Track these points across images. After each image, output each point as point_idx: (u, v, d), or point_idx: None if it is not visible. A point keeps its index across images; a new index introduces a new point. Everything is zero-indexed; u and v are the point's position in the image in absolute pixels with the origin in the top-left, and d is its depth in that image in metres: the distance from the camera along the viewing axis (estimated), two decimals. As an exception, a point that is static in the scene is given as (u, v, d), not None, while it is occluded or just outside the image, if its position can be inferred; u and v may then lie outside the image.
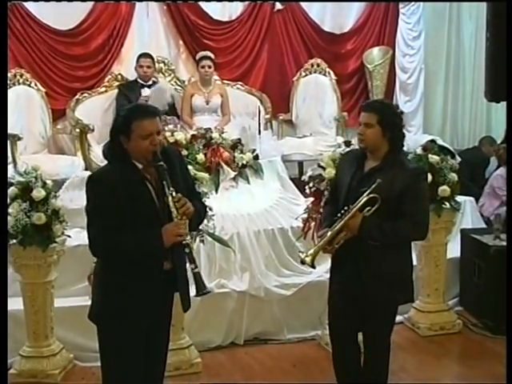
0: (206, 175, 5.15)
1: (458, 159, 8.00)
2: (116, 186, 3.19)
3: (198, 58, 7.36)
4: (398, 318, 5.78)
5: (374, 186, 3.64)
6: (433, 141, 8.05)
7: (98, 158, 6.86)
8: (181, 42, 7.96)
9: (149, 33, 7.81)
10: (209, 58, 7.24)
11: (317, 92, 8.05)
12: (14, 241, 4.76)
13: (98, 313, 3.40)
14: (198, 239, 4.92)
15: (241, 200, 6.09)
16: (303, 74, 8.13)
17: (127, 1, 7.60)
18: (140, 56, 7.27)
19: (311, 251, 3.76)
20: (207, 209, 4.84)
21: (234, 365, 5.20)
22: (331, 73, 8.12)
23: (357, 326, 3.91)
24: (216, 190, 6.09)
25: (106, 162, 6.05)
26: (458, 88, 9.18)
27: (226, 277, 5.62)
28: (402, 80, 8.58)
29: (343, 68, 8.57)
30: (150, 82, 7.26)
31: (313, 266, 3.79)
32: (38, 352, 4.97)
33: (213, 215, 4.97)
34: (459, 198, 6.53)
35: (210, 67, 7.22)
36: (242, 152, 6.33)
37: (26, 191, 4.78)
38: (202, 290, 3.25)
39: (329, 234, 3.73)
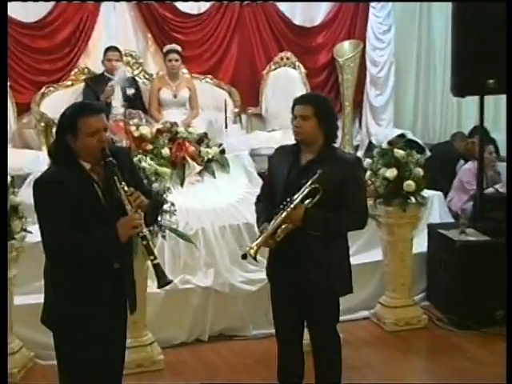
0: (168, 170, 5.09)
1: (428, 153, 8.09)
2: (63, 189, 3.15)
3: (164, 51, 7.28)
4: (364, 314, 5.87)
5: (315, 177, 3.66)
6: (402, 135, 8.11)
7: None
8: (149, 35, 7.88)
9: (116, 26, 7.71)
10: (176, 51, 7.16)
11: (286, 85, 8.00)
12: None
13: (49, 317, 3.37)
14: (159, 235, 4.85)
15: (206, 195, 6.03)
16: (273, 67, 8.10)
17: (95, 1, 7.52)
18: (107, 49, 7.17)
19: (254, 245, 3.71)
20: (170, 204, 4.86)
21: (197, 362, 5.15)
22: (301, 66, 8.08)
23: (302, 324, 3.94)
24: (181, 185, 6.03)
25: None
26: (429, 82, 9.19)
27: (190, 272, 5.55)
28: (373, 74, 8.55)
29: (314, 61, 8.54)
30: (123, 75, 7.15)
31: (255, 259, 3.74)
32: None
33: (175, 210, 4.90)
34: (427, 193, 6.55)
35: (177, 60, 7.13)
36: (208, 146, 6.27)
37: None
38: (163, 281, 3.20)
39: (271, 226, 3.70)
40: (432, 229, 6.11)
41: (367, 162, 5.66)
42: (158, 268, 3.19)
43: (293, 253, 3.78)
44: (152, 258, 3.18)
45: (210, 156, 6.19)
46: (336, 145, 3.98)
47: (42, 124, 6.79)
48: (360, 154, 8.15)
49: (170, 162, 6.02)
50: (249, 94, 8.10)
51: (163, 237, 4.89)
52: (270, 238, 3.74)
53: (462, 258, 5.59)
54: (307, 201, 3.71)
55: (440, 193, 6.91)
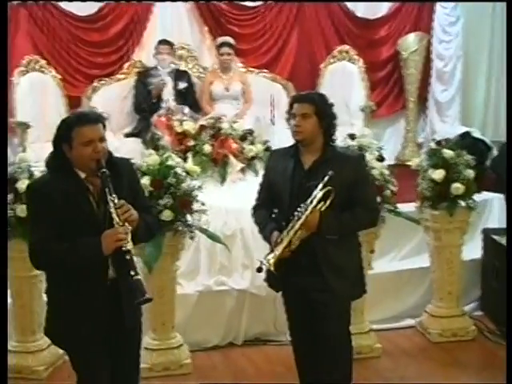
0: (197, 168, 4.92)
1: (495, 152, 7.66)
2: (55, 196, 3.10)
3: (217, 44, 7.12)
4: (410, 322, 5.56)
5: (327, 179, 3.54)
6: (467, 133, 7.71)
7: (111, 146, 6.66)
8: (205, 28, 7.73)
9: (171, 18, 7.62)
10: (228, 44, 7.00)
11: (344, 80, 7.71)
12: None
13: (48, 331, 3.32)
14: (187, 236, 4.71)
15: (247, 194, 5.80)
16: (331, 61, 7.81)
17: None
18: (158, 43, 7.07)
19: (271, 257, 3.57)
20: (200, 203, 4.70)
21: (226, 367, 4.99)
22: (360, 60, 7.76)
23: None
24: (222, 183, 5.88)
25: (117, 151, 5.89)
26: (503, 77, 8.68)
27: (226, 274, 5.39)
28: (438, 68, 8.16)
29: (376, 55, 8.25)
30: (169, 69, 7.07)
31: (275, 272, 3.59)
32: (24, 347, 4.86)
33: (205, 210, 4.74)
34: (486, 195, 6.19)
35: (229, 54, 7.00)
36: (252, 143, 6.08)
37: (11, 182, 4.65)
38: (139, 297, 3.05)
39: (287, 235, 3.56)
40: (486, 234, 5.75)
41: (414, 161, 5.37)
42: (138, 284, 3.05)
43: (307, 258, 3.64)
44: (133, 273, 3.04)
45: (254, 153, 5.98)
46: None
47: (92, 118, 6.72)
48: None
49: (211, 160, 5.87)
50: (307, 89, 7.78)
51: (191, 238, 4.73)
52: (286, 247, 3.59)
53: (514, 267, 5.21)
54: (320, 204, 3.57)
55: (501, 195, 6.48)
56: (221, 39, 7.17)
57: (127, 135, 6.86)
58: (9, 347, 4.87)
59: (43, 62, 7.00)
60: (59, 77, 7.06)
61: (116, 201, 3.07)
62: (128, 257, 3.05)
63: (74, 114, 3.28)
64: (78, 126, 3.10)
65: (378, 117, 8.09)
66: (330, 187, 3.54)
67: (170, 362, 4.83)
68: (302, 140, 3.69)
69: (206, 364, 5.01)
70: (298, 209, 3.56)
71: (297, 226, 3.55)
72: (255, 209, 3.95)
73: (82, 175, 3.16)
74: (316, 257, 3.63)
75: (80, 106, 7.18)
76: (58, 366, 4.93)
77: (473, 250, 5.81)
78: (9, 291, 4.84)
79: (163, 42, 7.08)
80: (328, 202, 3.56)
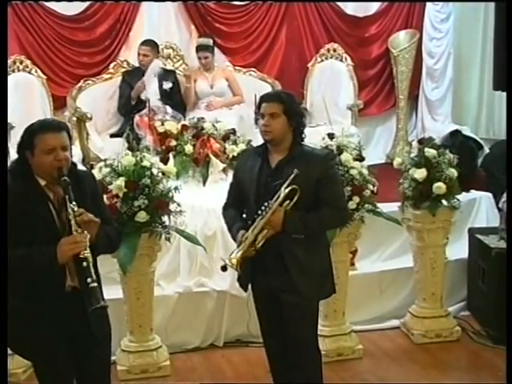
0: (174, 169, 4.86)
1: (487, 150, 7.59)
2: (13, 202, 3.06)
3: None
4: (394, 323, 5.50)
5: (291, 177, 3.51)
6: (458, 131, 7.65)
7: (96, 147, 6.71)
8: (192, 27, 7.65)
9: (158, 17, 7.53)
10: (204, 47, 6.97)
11: (332, 79, 7.65)
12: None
13: (10, 340, 3.20)
14: (163, 236, 4.66)
15: (229, 194, 5.78)
16: (319, 59, 7.74)
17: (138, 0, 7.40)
18: (140, 44, 7.04)
19: (235, 255, 3.54)
20: (176, 204, 4.65)
21: (206, 369, 4.94)
22: (348, 58, 7.68)
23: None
24: (204, 183, 5.82)
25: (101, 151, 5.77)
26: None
27: (206, 275, 5.34)
28: (429, 65, 8.08)
29: (367, 53, 8.16)
30: (156, 70, 6.99)
31: (238, 270, 3.58)
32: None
33: (182, 211, 4.69)
34: (474, 194, 6.13)
35: (206, 58, 6.96)
36: (235, 143, 6.01)
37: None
38: (95, 304, 2.99)
39: (250, 233, 3.53)
40: (472, 234, 5.67)
41: (397, 160, 5.31)
42: (94, 291, 3.00)
43: (274, 258, 3.61)
44: (90, 280, 2.99)
45: (235, 153, 5.91)
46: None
47: (74, 118, 6.68)
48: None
49: (192, 160, 5.82)
50: (296, 88, 7.73)
51: (167, 239, 4.68)
52: (251, 246, 3.56)
53: (499, 267, 5.12)
54: (285, 203, 3.54)
55: (490, 194, 6.43)
56: (198, 42, 7.13)
57: (112, 136, 6.80)
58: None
59: (28, 61, 6.95)
60: (45, 77, 7.00)
61: (76, 208, 3.04)
62: (85, 264, 3.00)
63: (38, 122, 3.23)
64: (40, 134, 3.09)
65: (368, 115, 8.03)
66: (294, 186, 3.51)
67: (148, 364, 4.78)
68: (271, 140, 3.65)
69: (185, 366, 4.97)
70: (262, 207, 3.53)
71: (260, 225, 3.53)
72: (224, 208, 3.92)
73: (43, 183, 3.13)
74: (282, 257, 3.60)
75: (65, 106, 7.16)
76: (36, 369, 4.89)
77: (460, 249, 5.75)
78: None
79: (144, 42, 7.03)
80: (293, 201, 3.53)
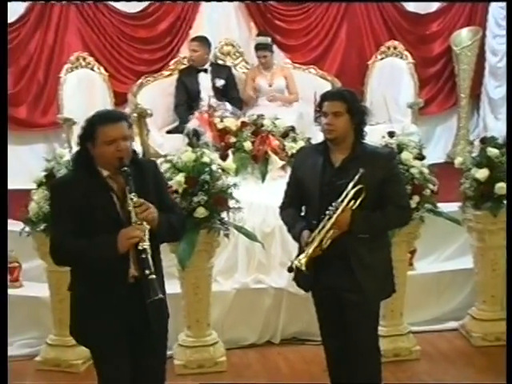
0: (233, 165, 4.89)
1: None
2: (76, 194, 3.12)
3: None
4: (453, 325, 5.42)
5: (358, 177, 3.48)
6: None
7: (156, 143, 6.76)
8: (252, 24, 7.68)
9: (218, 14, 7.59)
10: (263, 46, 6.97)
11: (392, 76, 7.55)
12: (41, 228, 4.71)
13: (72, 329, 3.31)
14: (222, 232, 4.69)
15: (287, 191, 5.78)
16: (379, 57, 7.67)
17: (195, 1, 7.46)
18: (190, 40, 7.13)
19: (303, 256, 3.52)
20: (235, 200, 4.68)
21: (262, 365, 4.96)
22: (408, 56, 7.56)
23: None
24: (263, 180, 5.84)
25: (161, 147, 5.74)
26: None
27: (264, 272, 5.35)
28: (492, 63, 7.90)
29: (428, 51, 8.04)
30: (205, 67, 7.06)
31: (305, 272, 3.55)
32: (62, 341, 4.89)
33: (241, 208, 4.72)
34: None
35: (265, 57, 6.97)
36: (294, 140, 6.01)
37: (50, 178, 4.70)
38: (152, 296, 3.02)
39: (319, 234, 3.51)
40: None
41: (458, 160, 5.23)
42: (151, 283, 3.03)
43: (338, 258, 3.58)
44: (148, 272, 3.02)
45: (295, 150, 5.90)
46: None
47: (135, 114, 6.75)
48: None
49: (251, 157, 5.84)
50: (355, 86, 7.69)
51: (226, 235, 4.71)
52: (317, 246, 3.54)
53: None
54: (351, 203, 3.51)
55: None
56: (257, 40, 7.13)
57: (169, 132, 6.88)
58: (48, 341, 4.99)
59: (91, 58, 7.08)
60: (106, 73, 7.11)
61: (135, 199, 3.06)
62: (143, 255, 3.03)
63: (98, 113, 3.26)
64: (101, 125, 3.12)
65: (428, 114, 7.92)
66: (361, 185, 3.49)
67: (205, 359, 4.82)
68: (333, 138, 3.62)
69: (241, 362, 4.99)
70: (329, 207, 3.50)
71: (328, 225, 3.50)
72: (282, 207, 3.90)
73: (106, 174, 3.17)
74: (347, 256, 3.57)
75: (126, 103, 7.26)
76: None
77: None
78: (47, 285, 4.92)
79: (194, 38, 7.10)
80: (359, 201, 3.51)
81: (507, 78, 4.82)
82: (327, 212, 3.52)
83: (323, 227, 3.52)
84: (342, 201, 3.50)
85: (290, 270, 3.61)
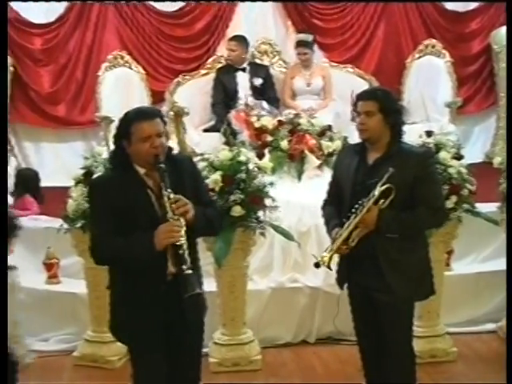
0: (269, 164, 4.90)
1: None
2: (113, 193, 3.15)
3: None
4: (490, 327, 5.35)
5: (387, 176, 3.45)
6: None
7: (193, 142, 6.79)
8: (289, 23, 7.68)
9: (255, 13, 7.61)
10: (303, 43, 6.94)
11: (430, 75, 7.49)
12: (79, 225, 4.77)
13: (111, 325, 3.34)
14: (258, 231, 4.69)
15: (323, 190, 5.74)
16: (416, 55, 7.61)
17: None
18: (228, 39, 7.13)
19: (326, 253, 3.54)
20: (271, 199, 4.68)
21: (296, 365, 4.96)
22: (447, 55, 7.49)
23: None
24: (299, 179, 5.83)
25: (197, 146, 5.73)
26: None
27: (299, 271, 5.35)
28: (533, 62, 7.82)
29: (467, 49, 7.99)
30: (243, 66, 7.07)
31: (329, 268, 3.59)
32: (99, 337, 4.95)
33: (277, 206, 4.71)
34: None
35: (305, 54, 6.93)
36: (330, 139, 6.00)
37: (88, 176, 4.76)
38: (190, 291, 3.03)
39: (343, 231, 3.51)
40: None
41: (497, 160, 5.16)
42: (187, 278, 3.03)
43: (367, 257, 3.58)
44: (184, 267, 3.03)
45: (331, 150, 5.90)
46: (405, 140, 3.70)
47: (172, 113, 6.79)
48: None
49: (287, 155, 5.83)
50: (393, 85, 7.64)
51: (262, 234, 4.72)
52: (344, 244, 3.55)
53: None
54: (380, 201, 3.50)
55: None
56: (298, 37, 7.11)
57: (206, 130, 6.90)
58: (85, 337, 5.04)
59: (128, 57, 7.15)
60: (144, 72, 7.17)
61: (171, 195, 3.07)
62: (180, 251, 3.04)
63: (132, 110, 3.27)
64: (136, 122, 3.13)
65: (466, 113, 7.84)
66: (389, 185, 3.46)
67: (240, 357, 4.83)
68: (367, 138, 3.62)
69: (276, 361, 4.99)
70: (356, 206, 3.50)
71: (354, 223, 3.50)
72: (324, 205, 3.90)
73: (141, 171, 3.18)
74: (376, 256, 3.56)
75: (163, 101, 7.30)
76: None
77: None
78: (85, 282, 4.97)
79: (232, 37, 7.11)
80: (388, 200, 3.49)
81: (507, 77, 4.76)
82: (353, 210, 3.52)
83: (349, 225, 3.53)
84: (369, 199, 3.50)
85: (316, 265, 3.63)
